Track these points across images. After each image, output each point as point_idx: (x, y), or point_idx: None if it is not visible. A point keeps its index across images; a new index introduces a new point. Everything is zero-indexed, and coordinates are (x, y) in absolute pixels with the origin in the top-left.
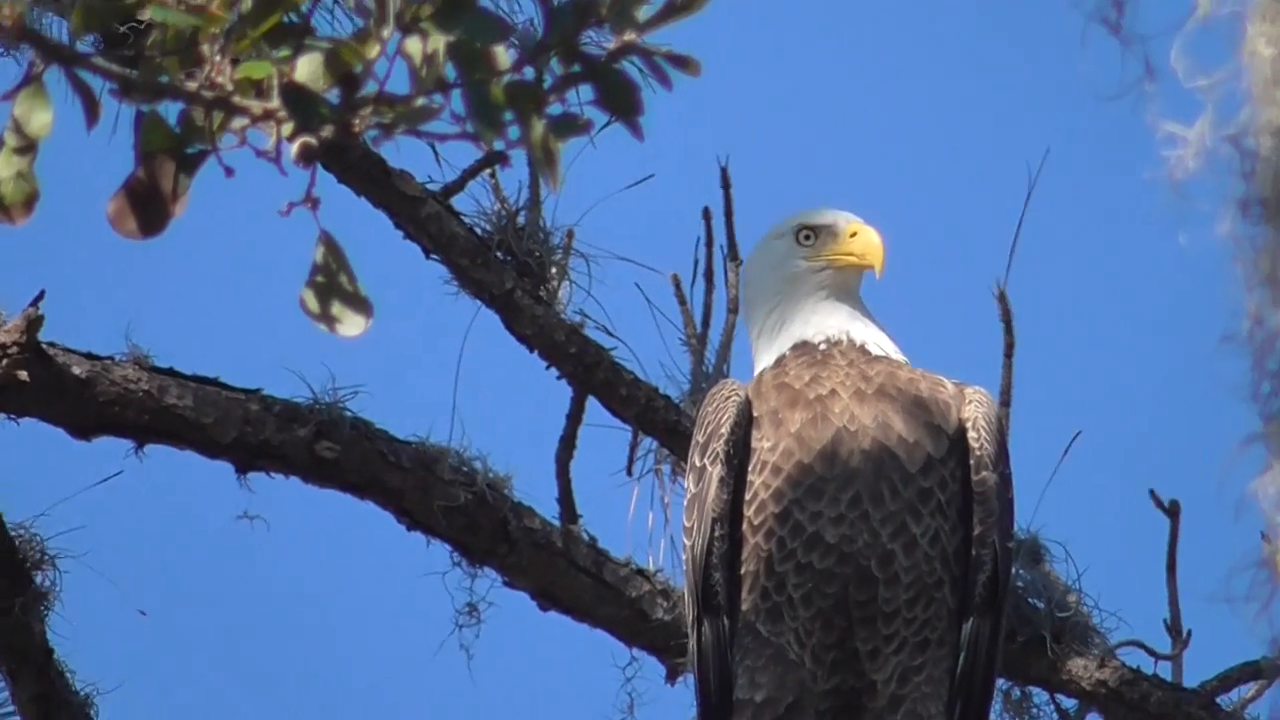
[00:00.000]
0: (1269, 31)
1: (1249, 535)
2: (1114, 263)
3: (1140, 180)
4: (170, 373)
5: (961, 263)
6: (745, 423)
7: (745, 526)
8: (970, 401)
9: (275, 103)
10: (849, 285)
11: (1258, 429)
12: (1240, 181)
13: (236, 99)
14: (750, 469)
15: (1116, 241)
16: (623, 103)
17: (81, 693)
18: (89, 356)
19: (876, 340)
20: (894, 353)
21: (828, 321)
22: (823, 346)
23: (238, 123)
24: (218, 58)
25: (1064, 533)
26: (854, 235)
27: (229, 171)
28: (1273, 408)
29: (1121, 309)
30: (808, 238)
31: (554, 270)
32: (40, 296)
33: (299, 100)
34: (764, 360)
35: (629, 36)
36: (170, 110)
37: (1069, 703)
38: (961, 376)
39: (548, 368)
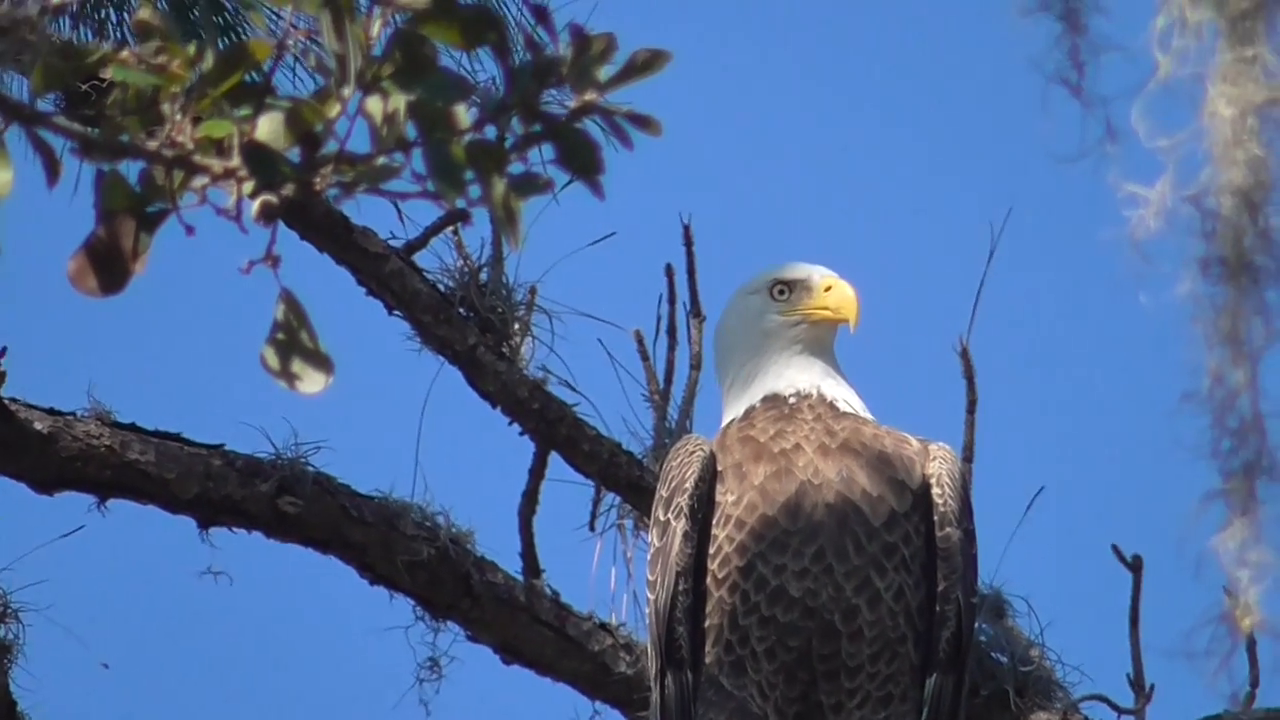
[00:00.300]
0: (1229, 92)
1: (1210, 591)
2: (1075, 321)
3: (1101, 240)
4: (132, 428)
5: (925, 320)
6: (709, 477)
7: (709, 580)
8: (934, 458)
9: (236, 161)
10: (823, 340)
11: (1217, 486)
12: (1201, 241)
13: (197, 158)
14: (714, 523)
15: (1078, 300)
16: (584, 162)
17: None
18: (51, 412)
19: (845, 397)
20: (861, 410)
21: (800, 376)
22: (792, 400)
23: (198, 181)
24: (178, 116)
25: (1027, 588)
26: (829, 289)
27: (189, 230)
28: (1232, 465)
29: (1083, 366)
30: (782, 292)
31: (517, 326)
32: (2, 353)
33: (260, 159)
34: (732, 412)
35: (590, 96)
36: (131, 169)
37: None
38: (924, 432)
39: (510, 424)
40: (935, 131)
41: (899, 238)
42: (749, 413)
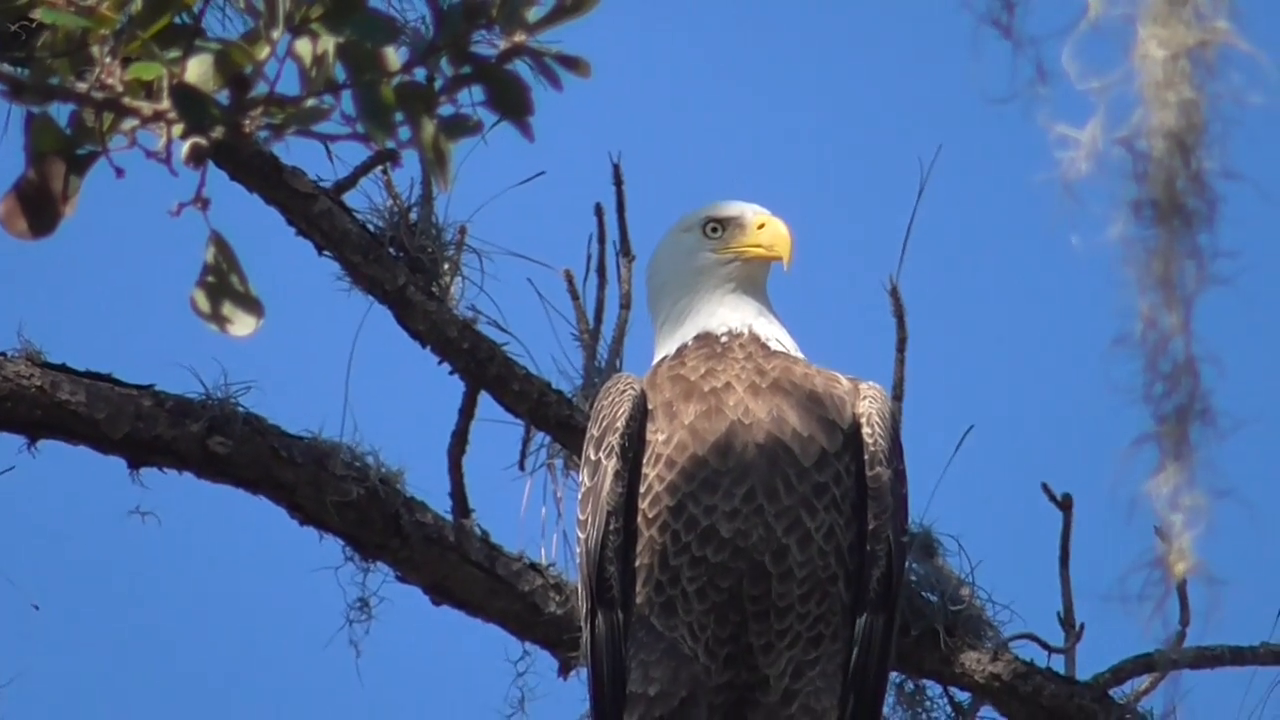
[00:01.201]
0: (1160, 34)
1: (1142, 534)
2: (1007, 261)
3: (1033, 182)
4: (62, 369)
5: (856, 259)
6: (640, 416)
7: (640, 520)
8: (864, 397)
9: (166, 104)
10: (756, 278)
11: (1150, 430)
12: (1132, 184)
13: (127, 100)
14: (645, 462)
15: (1009, 241)
16: (513, 103)
17: None
18: None
19: (777, 336)
20: (792, 348)
21: (732, 314)
22: (724, 339)
23: (128, 124)
24: (108, 59)
25: (957, 527)
26: (761, 227)
27: (119, 172)
28: (1165, 409)
29: (1014, 306)
30: (715, 230)
31: (446, 266)
32: None
33: (189, 101)
34: (664, 350)
35: (519, 38)
36: (61, 111)
37: (962, 696)
38: (855, 371)
39: (440, 363)
40: (866, 71)
41: (830, 177)
42: (680, 351)
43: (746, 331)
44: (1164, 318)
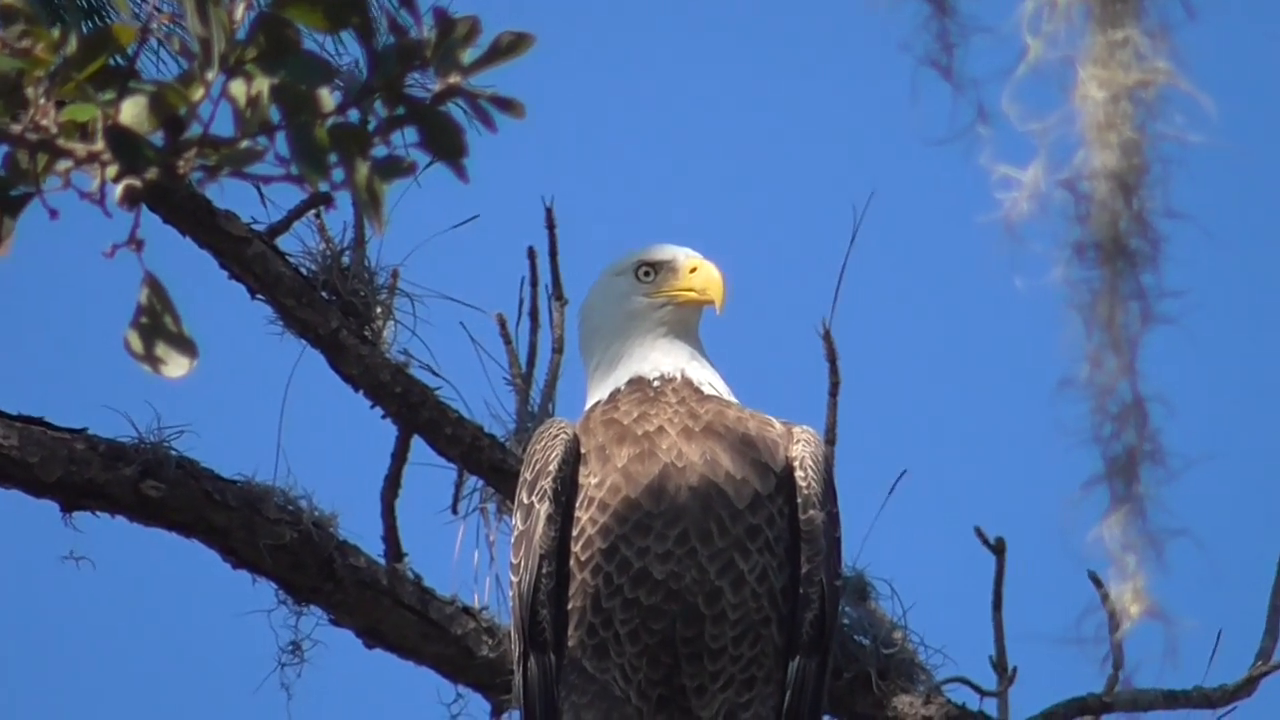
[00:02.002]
0: (1100, 75)
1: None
2: (943, 303)
3: (974, 222)
4: None
5: (791, 304)
6: (573, 460)
7: (573, 563)
8: (798, 441)
9: (100, 145)
10: (688, 322)
11: (1098, 471)
12: (1075, 225)
13: (61, 141)
14: (578, 505)
15: (948, 282)
16: (447, 145)
17: None
18: None
19: (710, 380)
20: (725, 392)
21: (665, 359)
22: (656, 383)
23: (62, 165)
24: (42, 100)
25: (890, 570)
26: (694, 271)
27: (53, 213)
28: (1114, 450)
29: (949, 349)
30: (647, 274)
31: (379, 310)
32: None
33: (124, 143)
34: (597, 394)
35: (453, 79)
36: None
37: None
38: (787, 416)
39: (373, 407)
40: (804, 114)
41: (766, 221)
42: (613, 395)
43: (679, 376)
44: (1110, 359)
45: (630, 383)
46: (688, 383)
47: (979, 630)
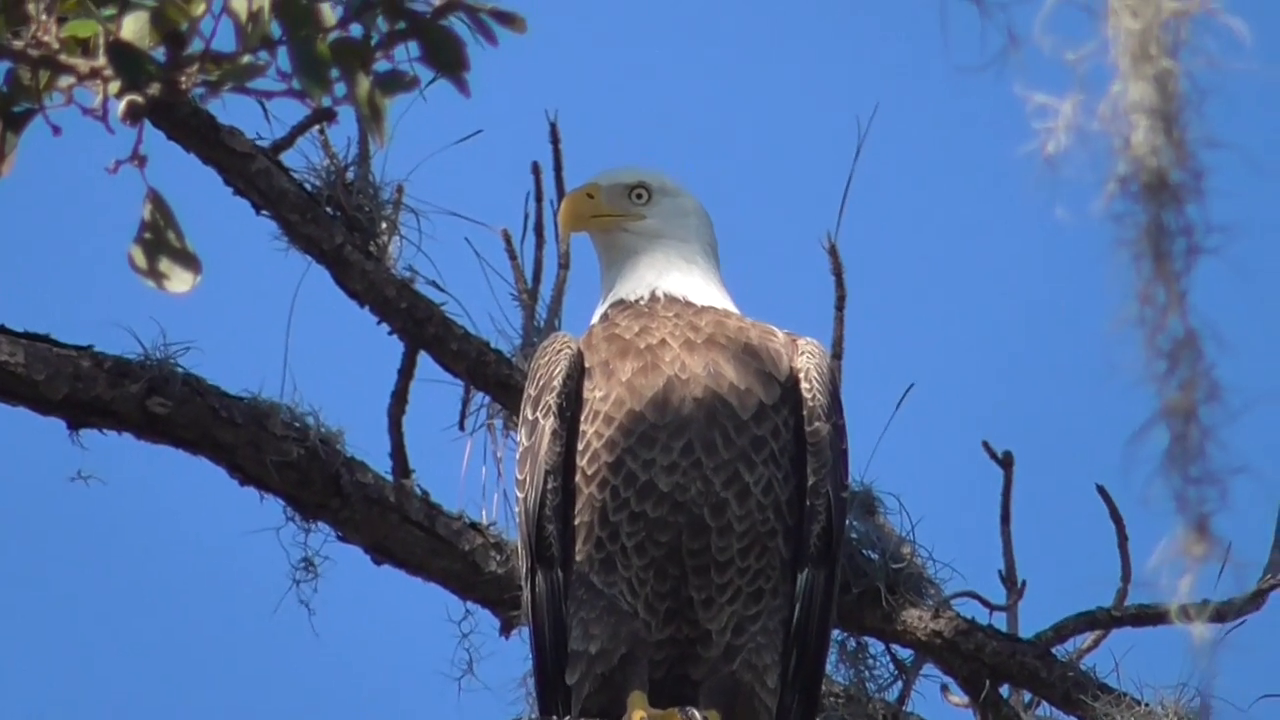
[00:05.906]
0: (1133, 3)
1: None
2: (946, 221)
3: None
4: (0, 330)
5: (795, 218)
6: (577, 375)
7: (579, 477)
8: (802, 352)
9: (102, 61)
10: (619, 244)
11: (1155, 411)
12: (1115, 159)
13: (63, 57)
14: (583, 419)
15: (955, 202)
16: (449, 59)
17: None
18: None
19: (699, 290)
20: (722, 302)
21: (628, 284)
22: (639, 302)
23: (64, 81)
24: (44, 16)
25: (898, 485)
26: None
27: (56, 130)
28: (1169, 388)
29: (955, 265)
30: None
31: (384, 225)
32: None
33: (125, 58)
34: (600, 309)
35: None
36: None
37: (905, 653)
38: (796, 329)
39: (379, 323)
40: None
41: (778, 140)
42: (607, 315)
43: (649, 294)
44: (1160, 294)
45: (614, 305)
46: (672, 296)
47: (987, 543)
